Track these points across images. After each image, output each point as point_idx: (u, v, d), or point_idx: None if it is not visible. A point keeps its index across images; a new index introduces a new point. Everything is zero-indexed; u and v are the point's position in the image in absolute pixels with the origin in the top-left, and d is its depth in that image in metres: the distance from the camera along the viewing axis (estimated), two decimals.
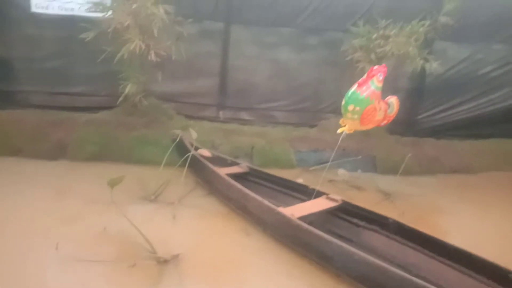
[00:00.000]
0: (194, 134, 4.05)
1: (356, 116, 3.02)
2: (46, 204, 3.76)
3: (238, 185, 3.67)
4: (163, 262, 2.95)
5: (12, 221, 3.42)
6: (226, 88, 5.87)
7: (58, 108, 5.42)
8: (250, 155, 5.25)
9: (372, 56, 5.16)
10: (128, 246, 3.16)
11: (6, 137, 4.92)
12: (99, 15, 4.70)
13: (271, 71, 5.82)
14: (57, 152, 4.85)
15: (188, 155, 4.02)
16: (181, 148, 4.50)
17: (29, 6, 5.13)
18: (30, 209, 3.64)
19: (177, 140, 4.63)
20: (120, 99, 4.95)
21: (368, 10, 5.55)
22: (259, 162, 5.14)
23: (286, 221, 3.16)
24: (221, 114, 5.97)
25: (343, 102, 3.06)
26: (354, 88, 3.00)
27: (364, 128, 3.15)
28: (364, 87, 2.96)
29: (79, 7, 5.10)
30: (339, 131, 3.22)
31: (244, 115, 5.99)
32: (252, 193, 3.51)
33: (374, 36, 5.17)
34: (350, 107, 3.00)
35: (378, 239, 3.34)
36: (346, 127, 3.17)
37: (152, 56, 4.44)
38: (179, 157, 4.26)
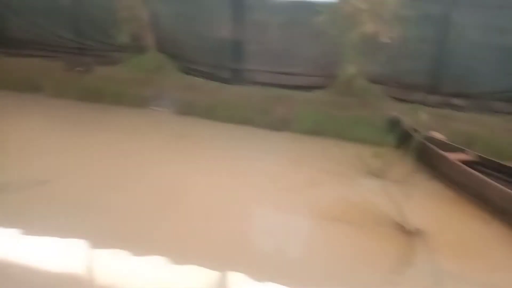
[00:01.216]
0: (423, 117, 4.10)
1: None
2: (285, 168, 4.33)
3: (476, 172, 3.62)
4: (408, 233, 3.15)
5: (260, 181, 4.03)
6: (439, 73, 5.71)
7: (278, 86, 6.07)
8: (468, 143, 5.05)
9: None
10: (369, 213, 3.45)
11: (237, 108, 5.74)
12: (332, 0, 5.07)
13: (496, 58, 5.42)
14: (281, 124, 5.45)
15: (408, 137, 4.10)
16: (399, 130, 4.60)
17: None
18: (270, 172, 4.21)
19: (395, 121, 4.75)
20: (340, 80, 5.28)
21: None
22: (480, 151, 4.92)
23: None
24: (431, 98, 5.84)
25: None
26: None
27: None
28: None
29: None
30: None
31: (457, 101, 5.75)
32: (493, 182, 3.43)
33: None
34: None
35: None
36: None
37: (383, 38, 4.60)
38: (395, 138, 4.37)
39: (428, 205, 3.71)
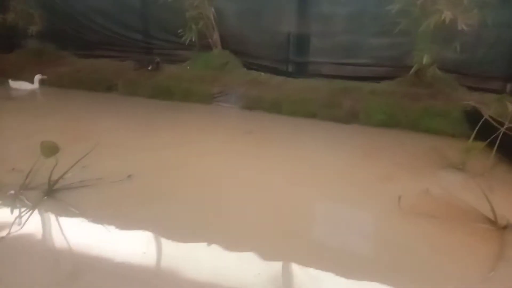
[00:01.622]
0: (510, 107, 3.88)
1: None
2: (357, 162, 4.27)
3: None
4: (499, 227, 3.01)
5: (332, 175, 4.01)
6: None
7: (343, 78, 5.99)
8: None
9: None
10: (454, 208, 3.33)
11: (302, 102, 5.73)
12: None
13: None
14: (349, 117, 5.38)
15: (489, 128, 3.89)
16: (478, 120, 4.38)
17: None
18: (341, 166, 4.17)
19: (473, 112, 4.53)
20: (413, 69, 5.11)
21: None
22: None
23: None
24: (509, 87, 5.51)
25: None
26: None
27: None
28: None
29: None
30: None
31: None
32: None
33: None
34: None
35: None
36: None
37: (461, 26, 4.39)
38: (474, 129, 4.16)
39: None
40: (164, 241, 2.93)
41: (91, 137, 4.85)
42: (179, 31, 6.52)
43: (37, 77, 6.68)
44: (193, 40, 6.43)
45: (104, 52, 7.43)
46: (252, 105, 5.92)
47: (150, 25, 7.14)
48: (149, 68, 6.69)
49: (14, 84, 6.46)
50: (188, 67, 6.70)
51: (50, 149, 3.08)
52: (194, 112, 5.92)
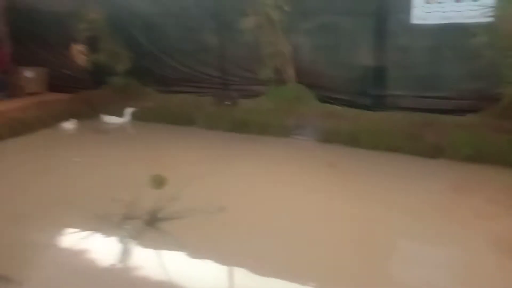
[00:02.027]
0: None
1: None
2: (449, 198, 4.13)
3: None
4: None
5: (421, 212, 3.89)
6: None
7: (424, 111, 5.88)
8: None
9: None
10: None
11: (382, 135, 5.66)
12: (487, 20, 4.82)
13: None
14: (433, 151, 5.23)
15: None
16: None
17: (409, 19, 5.74)
18: (430, 202, 4.04)
19: None
20: (504, 101, 4.93)
21: None
22: None
23: None
24: None
25: None
26: None
27: None
28: None
29: (461, 14, 5.34)
30: None
31: None
32: None
33: None
34: None
35: None
36: None
37: None
38: None
39: None
40: (258, 278, 3.00)
41: (177, 168, 5.13)
42: (254, 68, 6.79)
43: (126, 111, 7.20)
44: (268, 75, 6.66)
45: (183, 88, 7.87)
46: (329, 138, 5.95)
47: (226, 62, 7.49)
48: (227, 103, 6.98)
49: (106, 118, 7.00)
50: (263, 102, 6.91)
51: (159, 182, 3.31)
52: (271, 144, 6.06)
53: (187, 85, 7.87)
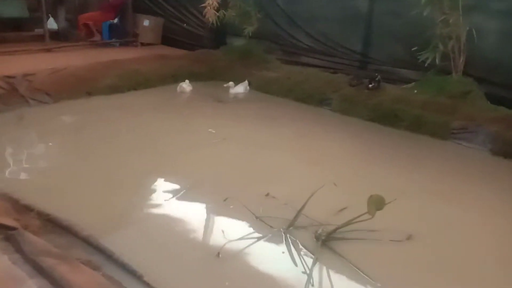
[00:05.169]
0: None
1: None
2: None
3: None
4: None
5: None
6: None
7: None
8: None
9: None
10: None
11: None
12: None
13: None
14: None
15: None
16: None
17: None
18: None
19: None
20: None
21: None
22: None
23: None
24: None
25: None
26: None
27: None
28: None
29: None
30: None
31: None
32: None
33: None
34: None
35: None
36: None
37: None
38: None
39: None
40: None
41: (325, 161, 4.22)
42: (408, 48, 5.60)
43: (247, 79, 6.45)
44: (430, 60, 5.42)
45: (312, 60, 6.86)
46: (509, 151, 4.67)
47: (375, 37, 6.33)
48: (370, 85, 5.86)
49: (225, 84, 6.30)
50: (415, 91, 5.70)
51: (377, 204, 2.36)
52: (427, 147, 4.93)
53: (318, 58, 6.84)
